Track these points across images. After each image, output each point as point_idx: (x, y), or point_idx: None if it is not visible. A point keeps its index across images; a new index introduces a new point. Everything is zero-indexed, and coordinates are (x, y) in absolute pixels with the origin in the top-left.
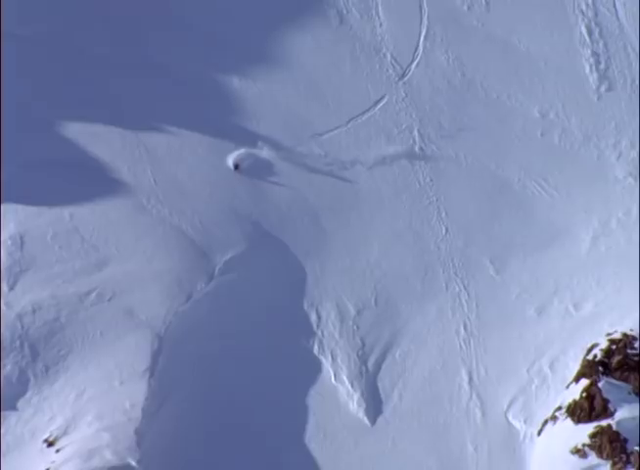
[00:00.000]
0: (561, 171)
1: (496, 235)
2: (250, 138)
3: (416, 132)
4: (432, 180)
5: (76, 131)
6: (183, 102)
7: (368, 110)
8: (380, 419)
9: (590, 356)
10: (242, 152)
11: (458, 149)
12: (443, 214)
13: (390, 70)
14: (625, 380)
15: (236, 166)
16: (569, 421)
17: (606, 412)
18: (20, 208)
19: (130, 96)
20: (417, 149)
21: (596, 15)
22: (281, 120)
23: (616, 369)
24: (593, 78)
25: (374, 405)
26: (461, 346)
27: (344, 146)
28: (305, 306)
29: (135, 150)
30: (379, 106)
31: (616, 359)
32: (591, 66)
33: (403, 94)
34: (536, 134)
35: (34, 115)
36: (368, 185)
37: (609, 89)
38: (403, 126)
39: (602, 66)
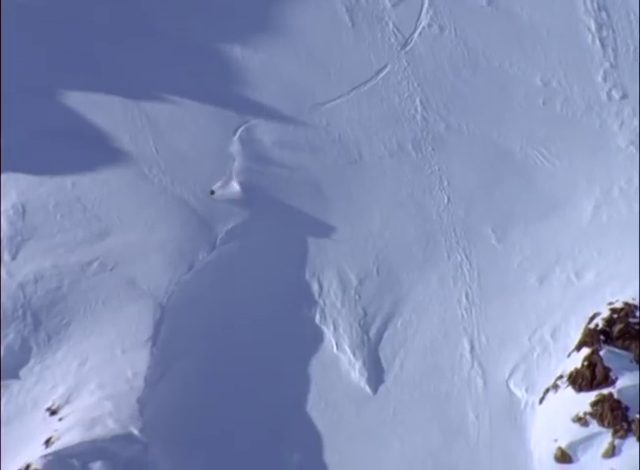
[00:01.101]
0: (563, 140)
1: (498, 204)
2: (251, 108)
3: (418, 101)
4: (433, 149)
5: (78, 100)
6: (185, 71)
7: (370, 79)
8: (381, 388)
9: (592, 325)
10: (223, 178)
11: (460, 118)
12: (445, 184)
13: (393, 40)
14: (627, 348)
15: (212, 192)
16: (570, 389)
17: (607, 381)
18: (21, 177)
19: (131, 65)
20: (419, 118)
21: None
22: (282, 90)
23: (617, 338)
24: (596, 47)
25: (375, 374)
26: (463, 315)
27: (346, 116)
28: (307, 276)
29: (137, 119)
30: (381, 75)
31: (617, 328)
32: (594, 34)
33: (405, 63)
34: (538, 102)
35: (35, 83)
36: (370, 155)
37: (611, 57)
38: (405, 95)
39: (604, 34)
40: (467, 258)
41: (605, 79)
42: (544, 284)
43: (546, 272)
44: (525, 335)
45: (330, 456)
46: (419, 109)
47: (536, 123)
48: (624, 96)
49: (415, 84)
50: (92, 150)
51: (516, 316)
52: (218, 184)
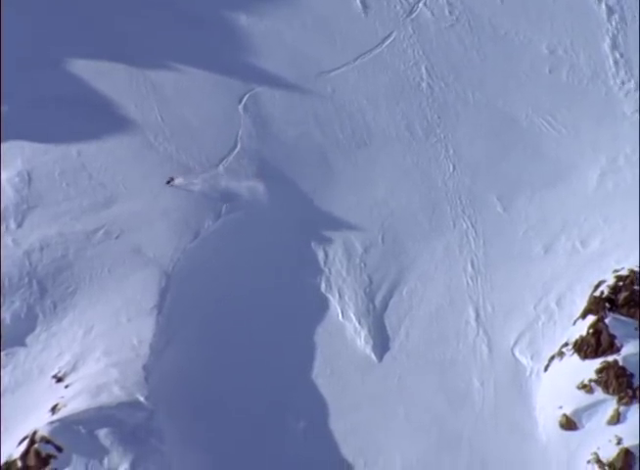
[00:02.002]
0: (569, 108)
1: (503, 172)
2: (256, 76)
3: (423, 69)
4: (439, 118)
5: (83, 68)
6: (190, 39)
7: (375, 47)
8: (387, 356)
9: (597, 293)
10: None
11: (465, 86)
12: (451, 152)
13: (398, 7)
14: (632, 316)
15: (168, 181)
16: (575, 357)
17: (612, 348)
18: (26, 145)
19: (136, 33)
20: (424, 86)
21: None
22: (288, 58)
23: (622, 305)
24: (602, 14)
25: (381, 342)
26: (468, 283)
27: (352, 83)
28: (312, 244)
29: (142, 87)
30: (386, 43)
31: (622, 296)
32: (599, 1)
33: (411, 31)
34: (544, 71)
35: (41, 52)
36: (375, 123)
37: (618, 25)
38: (411, 63)
39: (610, 1)
40: (472, 226)
41: (611, 47)
42: (550, 252)
43: (552, 240)
44: (530, 303)
45: (335, 423)
46: (424, 77)
47: (542, 92)
48: (630, 64)
49: (420, 52)
50: (97, 118)
51: (521, 284)
52: (180, 179)
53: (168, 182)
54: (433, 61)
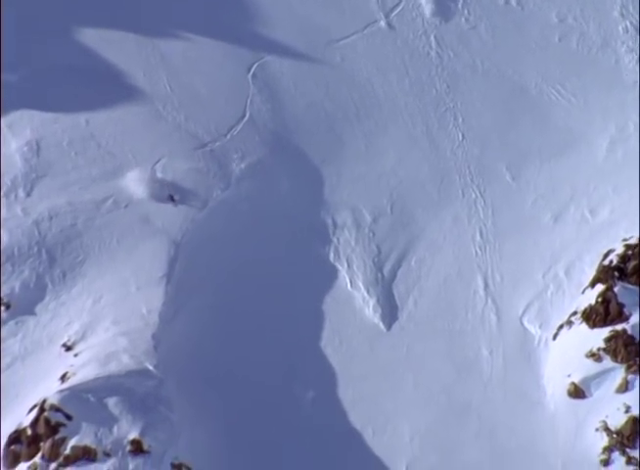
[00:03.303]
0: (578, 77)
1: (513, 141)
2: (265, 45)
3: (432, 38)
4: (448, 87)
5: (92, 38)
6: (199, 8)
7: (384, 15)
8: (395, 325)
9: (606, 262)
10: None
11: (475, 54)
12: (460, 121)
13: None
14: None
15: (171, 198)
16: (584, 326)
17: (621, 317)
18: (35, 113)
19: (145, 2)
20: (433, 55)
21: None
22: (297, 27)
23: (631, 274)
24: None
25: (389, 311)
26: (477, 252)
27: (361, 52)
28: (321, 214)
29: (151, 56)
30: (395, 12)
31: (631, 264)
32: None
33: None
34: (554, 39)
35: (49, 20)
36: (384, 91)
37: None
38: (419, 32)
39: None
40: (481, 195)
41: (621, 15)
42: (559, 221)
43: (561, 210)
44: (539, 272)
45: (343, 392)
46: (433, 45)
47: (552, 60)
48: None
49: (429, 20)
50: (106, 87)
51: (530, 254)
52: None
53: (172, 199)
54: (442, 30)
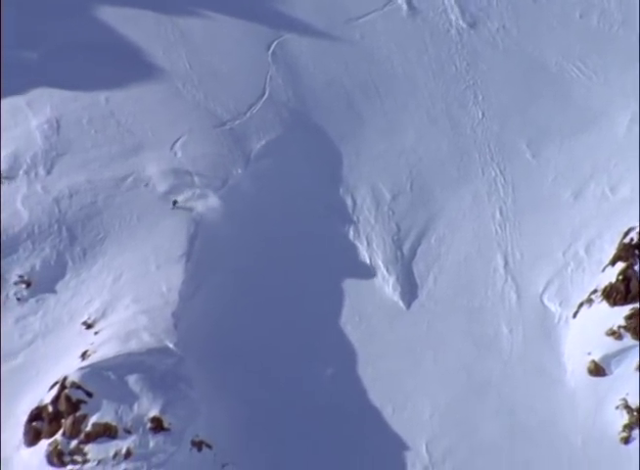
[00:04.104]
0: (599, 54)
1: (533, 119)
2: (284, 22)
3: (452, 16)
4: (468, 64)
5: (112, 16)
6: None
7: None
8: (415, 303)
9: (627, 240)
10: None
11: (495, 32)
12: (480, 98)
13: None
14: None
15: (174, 203)
16: (604, 304)
17: None
18: (55, 92)
19: None
20: (453, 32)
21: None
22: (316, 5)
23: None
24: None
25: (409, 289)
26: (496, 230)
27: (380, 30)
28: (341, 192)
29: (170, 34)
30: None
31: None
32: None
33: None
34: (575, 16)
35: None
36: (403, 69)
37: None
38: (440, 10)
39: None
40: (501, 173)
41: None
42: (579, 199)
43: (581, 187)
44: (559, 250)
45: (363, 370)
46: (453, 23)
47: (573, 37)
48: None
49: None
50: (125, 65)
51: (550, 231)
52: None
53: (174, 203)
54: (462, 6)
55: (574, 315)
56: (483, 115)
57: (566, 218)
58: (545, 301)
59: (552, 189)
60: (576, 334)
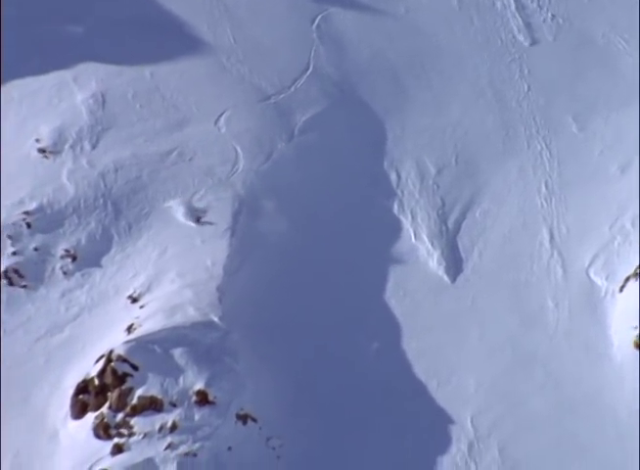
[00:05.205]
0: None
1: (579, 92)
2: None
3: None
4: (514, 37)
5: None
6: None
7: None
8: (460, 277)
9: None
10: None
11: (542, 3)
12: (526, 72)
13: None
14: None
15: (197, 220)
16: None
17: None
18: (100, 66)
19: None
20: (499, 5)
21: None
22: None
23: None
24: None
25: (454, 264)
26: (542, 204)
27: (425, 3)
28: (385, 166)
29: (215, 8)
30: None
31: None
32: None
33: None
34: None
35: None
36: (449, 43)
37: None
38: None
39: None
40: (547, 146)
41: None
42: (626, 172)
43: (628, 160)
44: (605, 224)
45: (407, 344)
46: None
47: (620, 9)
48: None
49: None
50: (170, 39)
51: (596, 205)
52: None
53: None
54: None
55: (621, 289)
56: (529, 88)
57: (612, 192)
58: (591, 275)
59: (598, 162)
60: (623, 308)
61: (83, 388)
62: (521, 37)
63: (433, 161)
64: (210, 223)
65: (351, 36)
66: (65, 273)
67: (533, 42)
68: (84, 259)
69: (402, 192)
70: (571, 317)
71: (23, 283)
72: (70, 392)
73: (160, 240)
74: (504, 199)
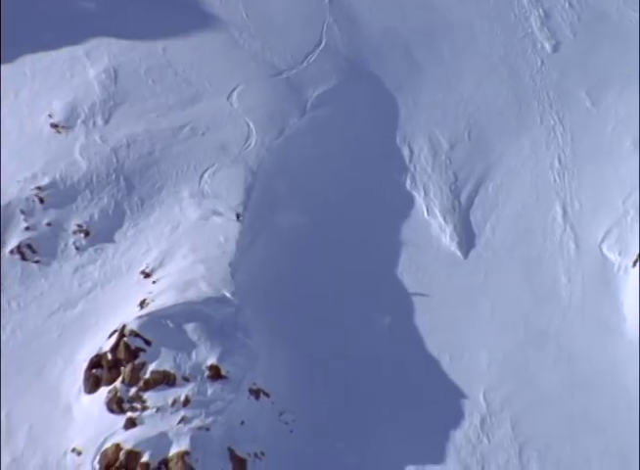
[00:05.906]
0: None
1: (593, 67)
2: None
3: None
4: (527, 11)
5: None
6: None
7: None
8: (472, 252)
9: None
10: None
11: None
12: (539, 46)
13: None
14: None
15: (237, 216)
16: None
17: None
18: (113, 41)
19: None
20: None
21: None
22: None
23: None
24: None
25: (466, 239)
26: (555, 179)
27: None
28: (398, 141)
29: None
30: None
31: None
32: None
33: None
34: None
35: None
36: (461, 17)
37: None
38: None
39: None
40: (560, 121)
41: None
42: (639, 147)
43: None
44: (618, 199)
45: (420, 319)
46: None
47: None
48: None
49: None
50: (182, 15)
51: (609, 181)
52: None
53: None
54: None
55: (634, 264)
56: (542, 62)
57: (625, 167)
58: (604, 250)
59: (612, 137)
60: (636, 283)
61: (96, 362)
62: (534, 11)
63: (445, 136)
64: (223, 198)
65: (364, 11)
66: (77, 248)
67: (547, 16)
68: (97, 235)
69: (415, 167)
70: (583, 293)
71: (37, 258)
72: (84, 366)
73: (172, 215)
74: (517, 174)
